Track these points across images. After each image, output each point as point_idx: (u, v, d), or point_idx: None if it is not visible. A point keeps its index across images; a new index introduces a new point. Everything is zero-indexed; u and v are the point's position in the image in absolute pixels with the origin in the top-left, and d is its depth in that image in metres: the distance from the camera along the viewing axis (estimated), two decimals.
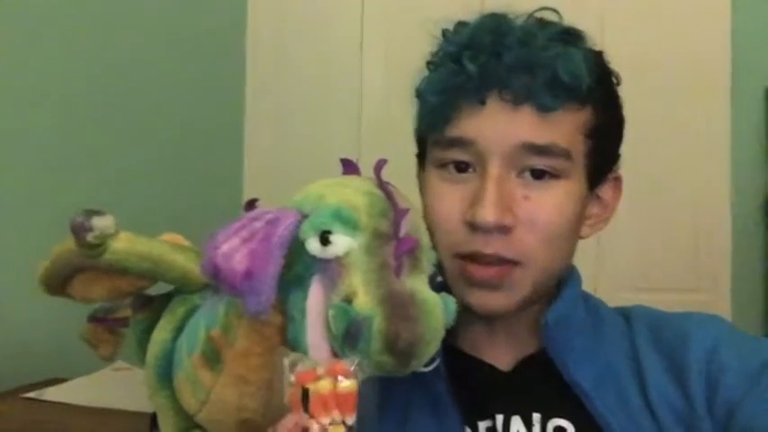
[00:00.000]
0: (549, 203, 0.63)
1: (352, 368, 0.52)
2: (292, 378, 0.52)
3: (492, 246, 0.62)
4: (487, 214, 0.61)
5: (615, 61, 0.69)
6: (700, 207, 1.94)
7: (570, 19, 0.67)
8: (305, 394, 0.51)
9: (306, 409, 0.51)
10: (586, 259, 1.89)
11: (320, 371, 0.51)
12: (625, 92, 0.70)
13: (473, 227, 0.62)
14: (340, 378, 0.51)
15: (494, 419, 0.66)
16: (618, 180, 0.71)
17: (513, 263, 0.63)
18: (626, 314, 0.72)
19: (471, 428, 0.66)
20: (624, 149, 0.71)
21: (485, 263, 0.63)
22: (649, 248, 1.96)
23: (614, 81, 0.68)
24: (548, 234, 0.63)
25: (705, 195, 1.94)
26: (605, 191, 0.70)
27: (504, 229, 0.62)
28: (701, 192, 1.94)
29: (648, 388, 0.65)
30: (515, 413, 0.66)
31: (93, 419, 1.15)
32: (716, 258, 1.93)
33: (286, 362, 0.53)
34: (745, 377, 0.62)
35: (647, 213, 1.91)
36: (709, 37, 1.94)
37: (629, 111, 0.70)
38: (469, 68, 0.61)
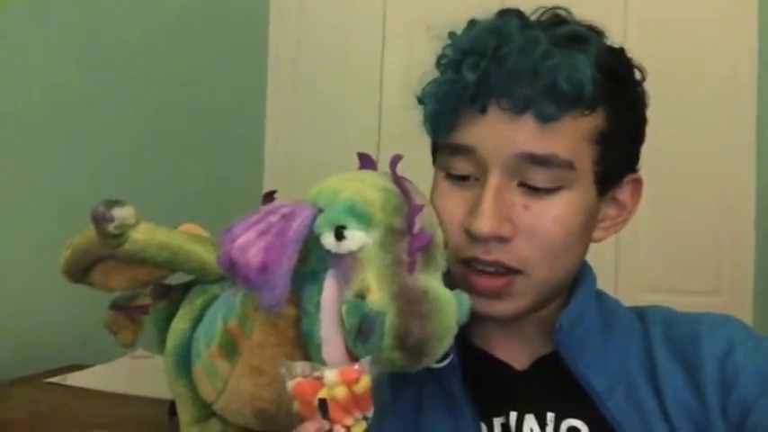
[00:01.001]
0: (549, 214, 0.62)
1: (365, 367, 0.52)
2: (289, 387, 0.53)
3: (491, 253, 0.62)
4: (483, 225, 0.60)
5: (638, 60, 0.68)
6: (723, 209, 1.91)
7: (592, 12, 0.66)
8: (322, 404, 0.51)
9: (324, 415, 0.51)
10: (606, 260, 1.89)
11: (329, 378, 0.52)
12: (648, 91, 0.68)
13: (471, 235, 0.62)
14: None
15: (507, 416, 0.66)
16: (638, 182, 0.69)
17: (515, 271, 0.62)
18: (641, 314, 0.72)
19: (486, 424, 0.66)
20: (646, 150, 0.69)
21: (486, 272, 0.62)
22: (670, 250, 1.93)
23: (637, 78, 0.67)
24: (548, 245, 0.62)
25: (729, 197, 1.91)
26: (623, 193, 0.69)
27: (501, 239, 0.61)
28: (725, 193, 1.91)
29: (662, 389, 0.65)
30: (529, 411, 0.66)
31: (113, 404, 1.17)
32: (738, 261, 1.91)
33: (284, 370, 0.53)
34: (760, 378, 0.62)
35: (669, 214, 1.89)
36: (735, 37, 1.90)
37: (651, 110, 0.68)
38: (468, 77, 0.61)
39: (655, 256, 1.94)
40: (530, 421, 0.66)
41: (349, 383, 0.52)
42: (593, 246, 0.69)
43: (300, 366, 0.53)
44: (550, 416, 0.65)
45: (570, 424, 0.65)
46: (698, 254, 1.92)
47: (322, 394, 0.52)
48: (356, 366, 0.52)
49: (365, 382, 0.52)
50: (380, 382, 0.54)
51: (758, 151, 1.90)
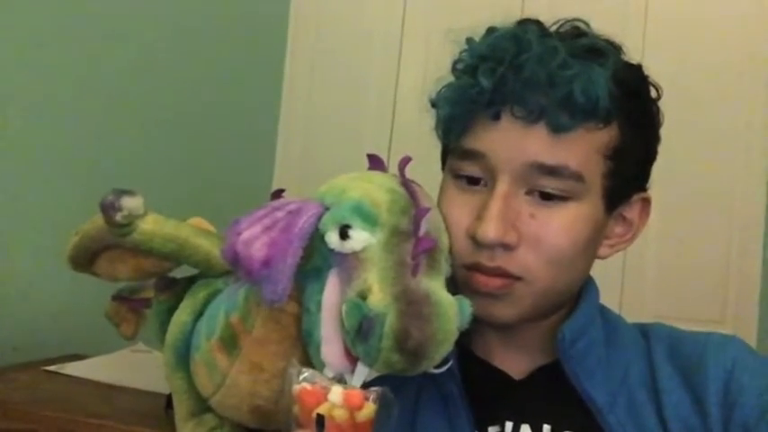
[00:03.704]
0: (555, 224, 0.62)
1: (372, 397, 0.52)
2: (294, 390, 0.52)
3: (495, 260, 0.62)
4: (488, 231, 0.60)
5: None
6: (731, 238, 1.90)
7: (611, 28, 0.66)
8: (320, 419, 0.51)
9: (320, 430, 0.51)
10: (611, 284, 1.88)
11: (333, 396, 0.51)
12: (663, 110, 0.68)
13: (477, 240, 0.62)
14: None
15: (503, 425, 0.66)
16: (646, 201, 0.69)
17: (515, 277, 0.62)
18: (644, 330, 0.72)
19: None
20: (657, 173, 0.70)
21: (488, 274, 0.62)
22: (676, 276, 1.92)
23: (652, 97, 0.67)
24: (552, 255, 0.62)
25: (737, 226, 1.90)
26: (630, 211, 0.69)
27: (505, 246, 0.61)
28: (733, 222, 1.90)
29: (664, 405, 0.65)
30: (525, 422, 0.66)
31: (110, 395, 1.18)
32: (744, 291, 1.89)
33: (293, 371, 0.53)
34: (762, 399, 0.62)
35: (676, 240, 1.88)
36: (752, 59, 1.90)
37: (664, 132, 0.68)
38: (484, 83, 0.61)
39: (660, 283, 1.93)
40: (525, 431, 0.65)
41: (351, 409, 0.51)
42: (598, 269, 0.69)
43: (310, 373, 0.53)
44: (547, 428, 0.65)
45: None
46: (705, 282, 1.91)
47: (322, 410, 0.51)
48: (363, 395, 0.51)
49: (368, 412, 0.51)
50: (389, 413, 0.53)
51: None
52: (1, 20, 1.45)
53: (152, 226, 0.66)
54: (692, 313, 1.88)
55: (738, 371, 0.64)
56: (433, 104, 0.67)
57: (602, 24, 0.67)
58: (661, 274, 1.92)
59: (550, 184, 0.62)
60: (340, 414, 0.51)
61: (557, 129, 0.60)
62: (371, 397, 0.52)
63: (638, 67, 0.67)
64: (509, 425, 0.66)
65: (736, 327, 1.85)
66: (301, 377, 0.53)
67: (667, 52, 1.85)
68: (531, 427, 0.65)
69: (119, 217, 0.64)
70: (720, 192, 1.90)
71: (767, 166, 1.89)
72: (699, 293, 1.90)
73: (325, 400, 0.51)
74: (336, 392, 0.51)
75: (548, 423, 0.65)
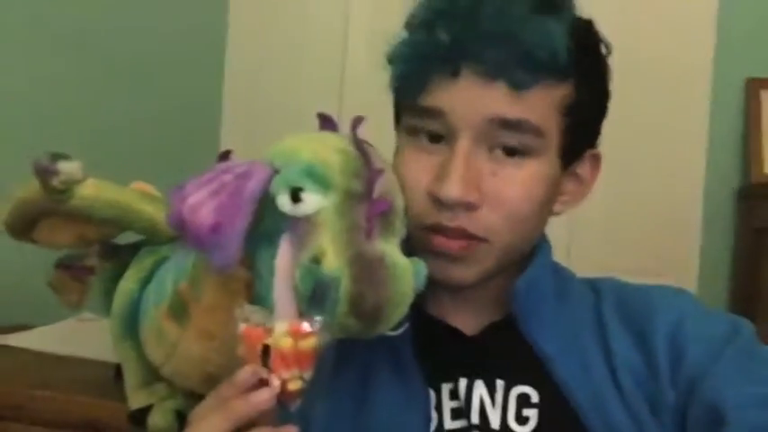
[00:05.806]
0: (516, 181, 0.62)
1: (315, 327, 0.52)
2: (239, 329, 0.52)
3: (456, 220, 0.61)
4: (452, 190, 0.60)
5: None
6: (672, 192, 1.95)
7: None
8: (265, 350, 0.51)
9: (265, 363, 0.51)
10: (557, 239, 1.90)
11: (279, 328, 0.51)
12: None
13: (438, 200, 0.61)
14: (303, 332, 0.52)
15: (457, 382, 0.66)
16: (596, 157, 0.70)
17: (478, 239, 0.62)
18: (594, 285, 0.73)
19: (434, 390, 0.66)
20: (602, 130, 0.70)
21: (449, 235, 0.62)
22: (619, 230, 1.97)
23: (603, 52, 0.67)
24: (513, 212, 0.62)
25: (678, 181, 1.95)
26: (583, 167, 0.69)
27: (468, 206, 0.61)
28: (675, 177, 1.94)
29: (613, 357, 0.66)
30: (479, 377, 0.66)
31: (56, 366, 1.15)
32: (685, 244, 1.95)
33: (238, 313, 0.53)
34: (709, 350, 0.63)
35: (619, 196, 1.92)
36: (694, 26, 1.93)
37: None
38: (442, 38, 0.60)
39: (605, 237, 1.97)
40: (479, 387, 0.66)
41: (296, 337, 0.51)
42: (548, 226, 0.69)
43: (256, 313, 0.53)
44: (500, 383, 0.66)
45: (520, 391, 0.65)
46: (646, 236, 1.96)
47: (267, 341, 0.51)
48: (307, 324, 0.52)
49: (311, 342, 0.52)
50: (323, 360, 0.53)
51: (709, 138, 1.93)
52: None
53: (92, 191, 0.64)
54: (635, 266, 1.93)
55: (685, 320, 0.65)
56: (389, 61, 0.65)
57: None
58: (606, 228, 1.96)
59: (512, 139, 0.61)
60: (285, 342, 0.51)
61: (516, 85, 0.59)
62: (315, 329, 0.52)
63: (590, 22, 0.67)
64: (463, 381, 0.66)
65: (676, 279, 1.92)
66: (248, 317, 0.53)
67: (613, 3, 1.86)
68: (485, 383, 0.66)
69: (55, 182, 0.62)
70: (663, 149, 1.94)
71: (708, 116, 1.94)
72: (641, 247, 1.95)
73: (270, 335, 0.51)
74: (281, 324, 0.52)
75: (501, 378, 0.66)
